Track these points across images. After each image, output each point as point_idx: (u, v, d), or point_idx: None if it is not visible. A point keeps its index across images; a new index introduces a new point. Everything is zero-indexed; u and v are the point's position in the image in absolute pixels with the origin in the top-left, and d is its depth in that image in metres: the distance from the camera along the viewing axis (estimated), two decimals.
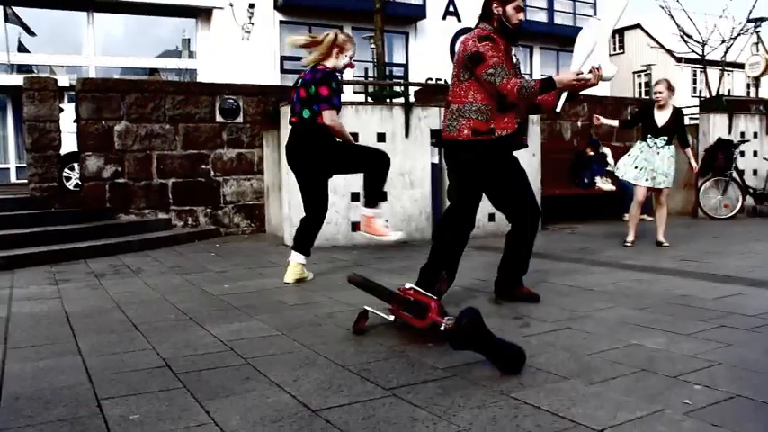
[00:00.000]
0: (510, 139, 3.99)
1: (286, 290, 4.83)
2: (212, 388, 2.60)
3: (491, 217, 8.27)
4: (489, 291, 4.46)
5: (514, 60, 4.15)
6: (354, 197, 7.51)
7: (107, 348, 3.25)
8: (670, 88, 7.02)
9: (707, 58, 17.65)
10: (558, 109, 4.09)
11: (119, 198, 8.41)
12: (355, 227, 7.49)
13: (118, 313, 4.10)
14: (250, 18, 19.91)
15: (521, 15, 4.00)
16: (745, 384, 2.54)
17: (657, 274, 5.21)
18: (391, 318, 3.40)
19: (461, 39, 4.14)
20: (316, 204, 5.20)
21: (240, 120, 9.03)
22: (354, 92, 16.59)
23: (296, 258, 5.16)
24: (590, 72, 3.88)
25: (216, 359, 3.02)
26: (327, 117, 4.84)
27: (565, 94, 3.98)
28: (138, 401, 2.45)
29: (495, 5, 3.97)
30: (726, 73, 20.46)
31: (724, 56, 17.81)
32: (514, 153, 4.18)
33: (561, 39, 25.14)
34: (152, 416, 2.31)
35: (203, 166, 8.85)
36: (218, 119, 8.91)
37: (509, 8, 3.95)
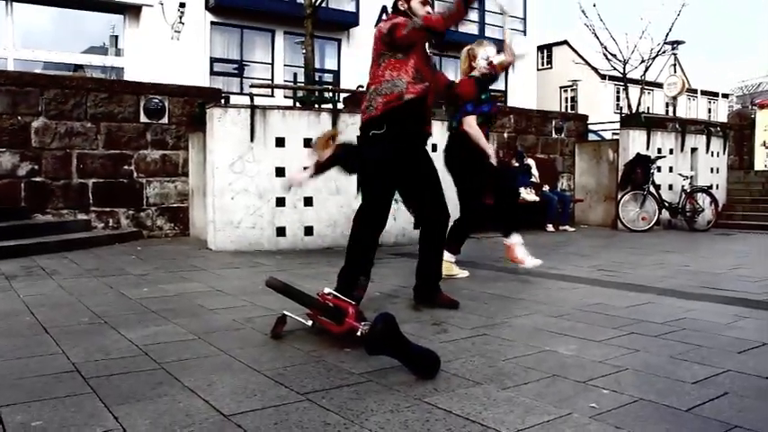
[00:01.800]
0: (419, 109, 4.06)
1: (207, 294, 4.75)
2: (123, 393, 2.53)
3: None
4: (410, 297, 4.50)
5: (429, 53, 4.25)
6: (279, 202, 7.48)
7: (11, 353, 3.12)
8: None
9: (628, 76, 18.32)
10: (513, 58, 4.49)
11: (35, 197, 8.11)
12: (280, 231, 7.46)
13: (27, 316, 3.95)
14: (180, 17, 19.55)
15: (427, 8, 4.11)
16: (649, 388, 2.64)
17: (575, 282, 5.37)
18: (309, 323, 3.40)
19: (375, 31, 4.21)
20: (462, 207, 5.55)
21: (165, 120, 8.86)
22: (285, 96, 16.50)
23: (446, 257, 5.11)
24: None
25: (129, 363, 2.95)
26: (464, 123, 5.27)
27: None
28: (42, 408, 2.37)
29: (400, 2, 4.12)
30: (646, 91, 21.27)
31: (644, 75, 18.52)
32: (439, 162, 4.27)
33: None
34: (56, 422, 2.23)
35: (126, 167, 8.64)
36: (143, 119, 8.72)
37: (414, 3, 4.10)
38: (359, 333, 2.98)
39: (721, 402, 2.49)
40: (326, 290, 3.42)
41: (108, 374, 2.77)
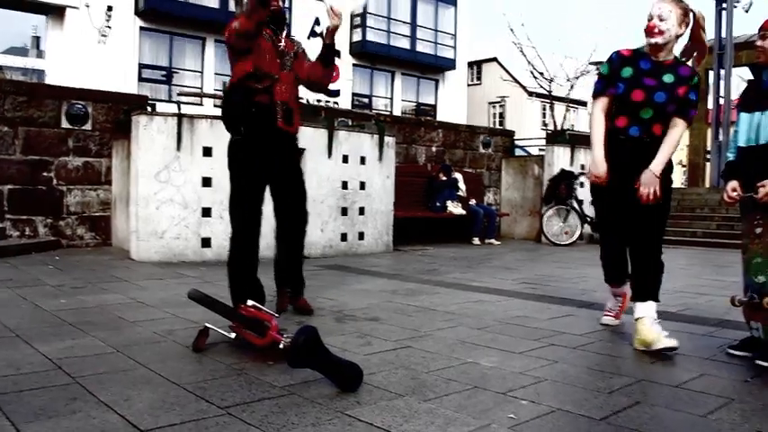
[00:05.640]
0: (263, 109, 4.06)
1: (127, 306, 4.63)
2: (33, 410, 2.44)
3: (343, 237, 8.37)
4: (336, 310, 4.49)
5: (281, 46, 4.21)
6: (205, 212, 7.36)
7: None
8: None
9: (554, 94, 18.85)
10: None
11: None
12: (205, 242, 7.34)
13: None
14: (107, 21, 19.06)
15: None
16: (566, 399, 2.71)
17: (499, 295, 5.47)
18: (233, 335, 3.35)
19: None
20: None
21: (89, 127, 8.60)
22: (215, 105, 16.27)
23: None
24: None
25: (41, 378, 2.84)
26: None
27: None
28: None
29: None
30: (571, 109, 21.90)
31: (568, 93, 19.09)
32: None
33: (422, 66, 26.02)
34: None
35: (45, 174, 8.33)
36: (65, 124, 8.44)
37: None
38: (281, 346, 2.96)
39: (634, 411, 2.58)
40: (249, 302, 3.39)
41: (18, 390, 2.66)
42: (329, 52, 4.24)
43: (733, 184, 3.48)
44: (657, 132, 3.66)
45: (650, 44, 3.62)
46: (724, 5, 15.90)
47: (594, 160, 3.74)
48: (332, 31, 4.12)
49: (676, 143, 3.66)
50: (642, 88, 3.62)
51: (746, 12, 15.69)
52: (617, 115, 3.73)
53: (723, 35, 16.10)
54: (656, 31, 3.57)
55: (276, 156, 4.16)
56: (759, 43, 3.44)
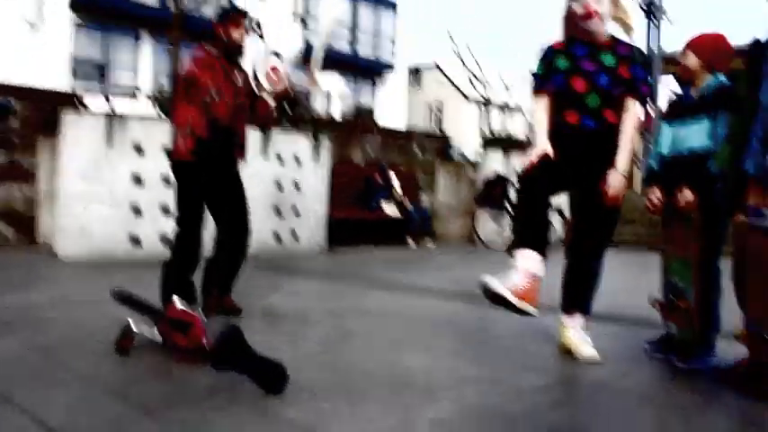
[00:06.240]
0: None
1: (50, 306, 4.50)
2: None
3: (277, 237, 8.35)
4: (266, 311, 4.47)
5: (237, 82, 4.24)
6: (136, 211, 7.21)
7: None
8: None
9: (491, 100, 19.16)
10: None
11: None
12: (136, 242, 7.18)
13: None
14: (39, 12, 18.45)
15: (238, 33, 4.18)
16: (489, 399, 2.76)
17: (430, 296, 5.52)
18: (157, 336, 3.29)
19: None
20: None
21: (14, 123, 8.32)
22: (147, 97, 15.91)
23: None
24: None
25: None
26: None
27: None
28: None
29: (214, 26, 4.24)
30: (508, 114, 22.30)
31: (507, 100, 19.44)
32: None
33: (362, 69, 26.09)
34: None
35: None
36: None
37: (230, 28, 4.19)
38: (205, 346, 2.93)
39: (555, 411, 2.66)
40: (176, 300, 3.33)
41: None
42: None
43: (655, 191, 3.63)
44: (612, 120, 3.39)
45: (590, 30, 3.41)
46: (654, 20, 16.44)
47: (538, 144, 3.38)
48: (281, 93, 4.22)
49: (634, 131, 3.40)
50: (582, 75, 3.38)
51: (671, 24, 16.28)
52: (564, 111, 3.42)
53: (652, 46, 16.64)
54: (594, 12, 3.36)
55: (225, 171, 4.29)
56: (682, 62, 3.60)
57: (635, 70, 3.43)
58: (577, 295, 3.66)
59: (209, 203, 4.26)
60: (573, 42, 3.49)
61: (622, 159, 3.35)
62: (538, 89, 3.54)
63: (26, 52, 17.90)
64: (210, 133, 4.06)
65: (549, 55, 3.52)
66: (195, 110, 4.04)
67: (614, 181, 3.31)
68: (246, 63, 4.26)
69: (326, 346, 3.63)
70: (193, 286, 4.22)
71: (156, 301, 3.87)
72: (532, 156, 3.31)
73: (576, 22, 3.43)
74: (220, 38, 4.19)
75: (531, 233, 3.32)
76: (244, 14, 4.24)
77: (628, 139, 3.38)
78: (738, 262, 3.08)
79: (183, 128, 4.08)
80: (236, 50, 4.22)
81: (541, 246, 3.28)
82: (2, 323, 3.87)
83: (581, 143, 3.39)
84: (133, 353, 3.27)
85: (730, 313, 3.31)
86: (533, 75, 3.59)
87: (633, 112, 3.40)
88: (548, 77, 3.49)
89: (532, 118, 3.61)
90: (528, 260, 3.24)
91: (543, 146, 3.34)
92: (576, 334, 3.60)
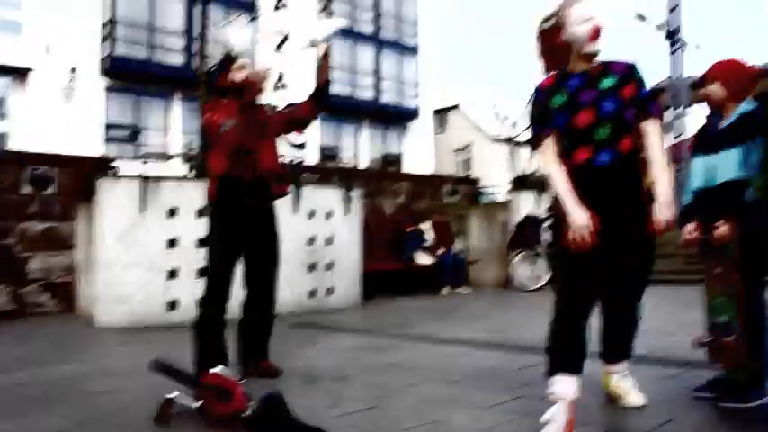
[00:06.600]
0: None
1: (90, 377, 4.52)
2: None
3: (311, 293, 8.34)
4: (304, 370, 4.45)
5: (255, 113, 4.24)
6: (171, 275, 7.28)
7: None
8: None
9: (518, 139, 19.12)
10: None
11: None
12: (172, 305, 7.24)
13: None
14: (71, 81, 19.05)
15: (240, 74, 4.17)
16: None
17: (468, 346, 5.45)
18: (197, 404, 3.29)
19: None
20: None
21: (52, 191, 8.52)
22: (181, 160, 16.22)
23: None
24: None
25: None
26: None
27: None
28: None
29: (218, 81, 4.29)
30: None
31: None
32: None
33: (387, 116, 26.36)
34: None
35: (6, 240, 8.20)
36: (27, 189, 8.36)
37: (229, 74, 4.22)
38: (246, 414, 2.92)
39: None
40: (214, 369, 3.34)
41: None
42: (324, 91, 4.39)
43: (690, 226, 3.56)
44: (628, 148, 3.05)
45: (595, 53, 3.09)
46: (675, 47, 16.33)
47: (570, 213, 2.94)
48: (324, 68, 4.27)
49: (663, 152, 3.05)
50: (584, 107, 3.03)
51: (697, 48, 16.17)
52: (573, 151, 3.06)
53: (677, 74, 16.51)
54: (602, 28, 3.03)
55: (256, 220, 4.30)
56: (702, 91, 3.57)
57: (639, 90, 3.10)
58: (619, 345, 3.54)
59: (236, 248, 4.25)
60: (564, 76, 3.14)
61: (663, 187, 2.97)
62: (538, 138, 3.14)
63: (61, 120, 18.46)
64: (232, 166, 4.10)
65: (542, 97, 3.15)
66: (216, 152, 4.14)
67: (663, 215, 2.94)
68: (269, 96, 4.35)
69: (367, 404, 3.59)
70: (225, 343, 4.21)
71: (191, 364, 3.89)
72: (572, 236, 2.92)
73: (575, 49, 3.10)
74: (226, 87, 4.23)
75: (571, 356, 3.08)
76: (236, 57, 4.21)
77: (661, 167, 3.01)
78: None
79: (210, 173, 4.19)
80: (245, 90, 4.19)
81: (581, 366, 3.08)
82: (43, 399, 3.89)
83: (598, 182, 3.02)
84: (174, 423, 3.26)
85: None
86: (530, 125, 3.19)
87: (655, 134, 3.06)
88: (547, 121, 3.11)
89: (551, 181, 3.10)
90: (566, 385, 3.03)
91: (581, 219, 2.91)
92: (621, 381, 3.51)
